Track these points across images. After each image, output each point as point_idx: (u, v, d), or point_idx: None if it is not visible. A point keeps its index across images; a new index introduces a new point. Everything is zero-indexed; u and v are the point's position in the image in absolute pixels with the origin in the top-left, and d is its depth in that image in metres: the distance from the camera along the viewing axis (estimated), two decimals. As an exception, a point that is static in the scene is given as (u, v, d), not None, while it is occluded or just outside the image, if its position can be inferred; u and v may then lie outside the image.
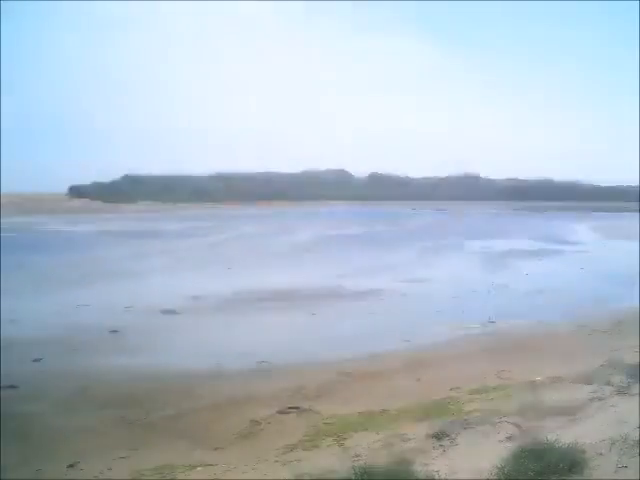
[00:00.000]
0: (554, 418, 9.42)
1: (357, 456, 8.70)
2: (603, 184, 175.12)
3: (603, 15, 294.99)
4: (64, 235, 56.08)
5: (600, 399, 10.25)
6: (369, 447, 9.30)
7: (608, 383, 11.32)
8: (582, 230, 65.89)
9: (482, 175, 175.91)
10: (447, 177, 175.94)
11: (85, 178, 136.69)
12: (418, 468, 7.19)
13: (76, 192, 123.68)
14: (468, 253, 42.94)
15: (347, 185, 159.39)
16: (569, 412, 9.66)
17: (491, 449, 8.03)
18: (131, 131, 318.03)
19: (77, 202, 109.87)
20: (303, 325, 19.96)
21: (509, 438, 8.48)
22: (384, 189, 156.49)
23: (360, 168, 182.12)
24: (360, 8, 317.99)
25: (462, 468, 7.41)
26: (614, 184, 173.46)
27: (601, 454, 6.84)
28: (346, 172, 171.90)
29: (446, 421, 9.98)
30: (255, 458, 9.47)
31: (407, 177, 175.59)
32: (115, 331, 18.64)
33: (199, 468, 9.29)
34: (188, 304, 23.03)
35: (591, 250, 44.61)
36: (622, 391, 10.46)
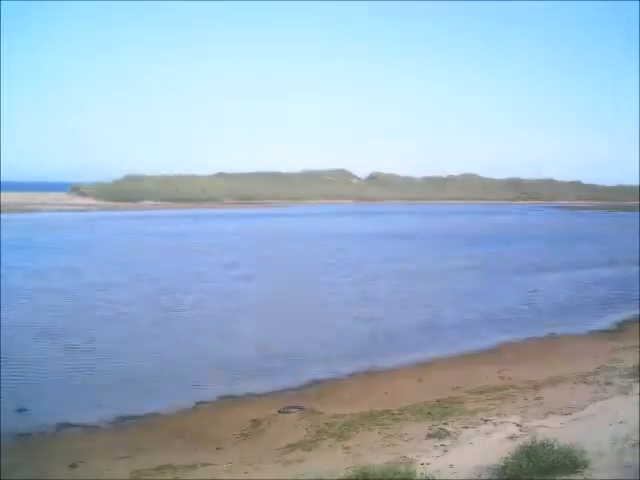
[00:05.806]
0: (555, 418, 9.44)
1: (358, 456, 8.72)
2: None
3: (603, 14, 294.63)
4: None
5: (601, 399, 10.28)
6: (370, 447, 9.28)
7: (609, 383, 11.35)
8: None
9: (482, 175, 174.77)
10: (448, 177, 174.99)
11: (86, 178, 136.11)
12: (419, 468, 7.20)
13: (78, 192, 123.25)
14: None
15: (347, 185, 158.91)
16: (570, 412, 9.68)
17: (492, 449, 8.05)
18: (132, 131, 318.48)
19: (80, 201, 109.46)
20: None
21: (510, 438, 8.50)
22: (384, 189, 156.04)
23: (360, 168, 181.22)
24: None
25: (463, 467, 7.42)
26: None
27: (602, 454, 6.86)
28: (346, 172, 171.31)
29: (447, 421, 10.00)
30: (256, 458, 9.45)
31: (408, 177, 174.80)
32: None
33: (200, 468, 9.27)
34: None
35: None
36: (623, 391, 10.49)
